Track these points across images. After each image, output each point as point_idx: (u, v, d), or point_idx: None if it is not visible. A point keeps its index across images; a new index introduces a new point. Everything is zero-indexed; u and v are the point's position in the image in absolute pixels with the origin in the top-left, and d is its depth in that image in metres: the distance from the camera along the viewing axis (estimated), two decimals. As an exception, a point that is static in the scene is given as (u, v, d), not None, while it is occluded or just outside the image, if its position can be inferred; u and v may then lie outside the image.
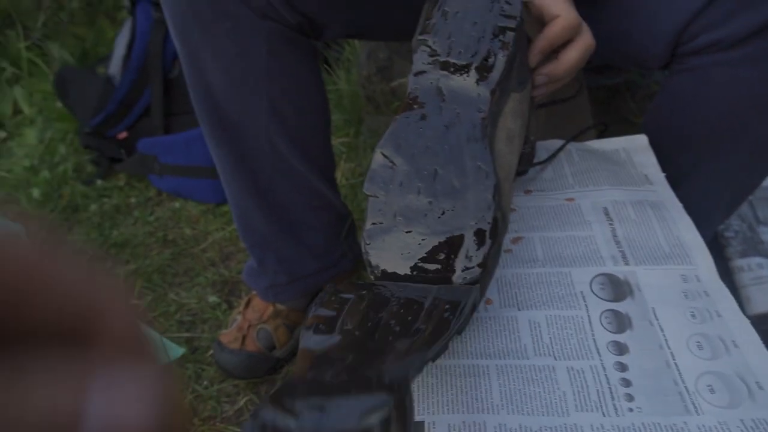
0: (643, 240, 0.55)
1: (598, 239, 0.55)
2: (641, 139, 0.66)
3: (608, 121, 0.74)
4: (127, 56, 1.16)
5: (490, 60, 0.48)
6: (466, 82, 0.48)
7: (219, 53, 0.65)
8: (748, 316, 0.50)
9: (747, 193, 0.70)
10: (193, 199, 1.17)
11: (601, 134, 0.75)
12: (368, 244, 0.45)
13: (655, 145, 0.66)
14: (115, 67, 1.18)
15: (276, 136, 0.71)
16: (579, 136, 0.68)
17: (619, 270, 0.52)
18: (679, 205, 0.58)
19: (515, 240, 0.56)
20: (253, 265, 0.84)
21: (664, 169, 0.64)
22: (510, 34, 0.48)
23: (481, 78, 0.48)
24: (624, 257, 0.53)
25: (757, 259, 0.89)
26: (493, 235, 0.44)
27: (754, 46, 0.56)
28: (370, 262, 0.45)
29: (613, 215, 0.57)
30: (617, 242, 0.55)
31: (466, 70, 0.48)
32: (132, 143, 1.19)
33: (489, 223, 0.44)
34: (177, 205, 1.17)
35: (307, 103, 0.72)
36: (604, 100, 0.93)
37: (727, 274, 0.88)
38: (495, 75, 0.48)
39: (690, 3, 0.58)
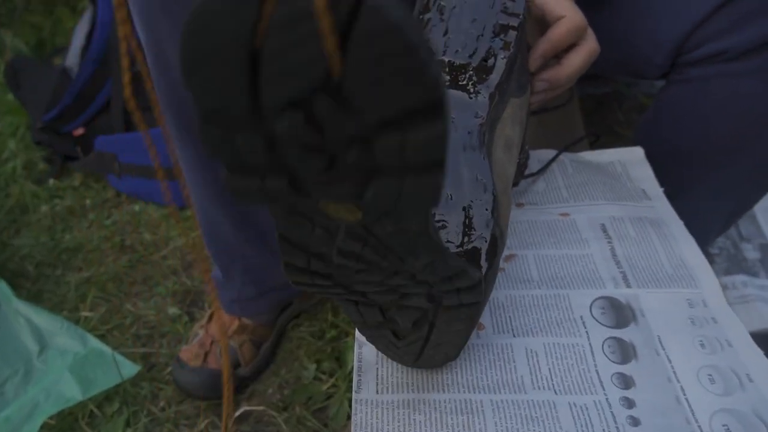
0: (645, 260, 0.51)
1: (596, 258, 0.51)
2: (637, 152, 0.62)
3: (596, 132, 0.71)
4: (87, 47, 1.08)
5: (490, 61, 0.44)
6: (463, 83, 0.43)
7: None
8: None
9: (744, 211, 0.67)
10: (155, 202, 1.09)
11: (593, 144, 0.72)
12: None
13: (649, 157, 0.63)
14: (72, 58, 1.10)
15: None
16: (572, 146, 0.64)
17: (621, 293, 0.48)
18: (680, 223, 0.55)
19: (508, 258, 0.52)
20: (218, 276, 0.78)
21: (659, 182, 0.60)
22: (512, 34, 0.44)
23: (480, 80, 0.43)
24: (625, 278, 0.49)
25: (742, 277, 0.87)
26: (491, 255, 0.39)
27: (761, 58, 0.53)
28: None
29: (612, 232, 0.54)
30: (617, 262, 0.51)
31: (463, 70, 0.44)
32: (89, 140, 1.11)
33: (486, 241, 0.40)
34: (137, 208, 1.09)
35: None
36: (591, 110, 0.90)
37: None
38: (495, 77, 0.43)
39: (695, 10, 0.54)
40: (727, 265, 0.88)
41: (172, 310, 0.92)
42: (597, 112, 0.92)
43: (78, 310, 0.92)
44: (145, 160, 1.06)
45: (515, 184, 0.60)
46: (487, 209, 0.40)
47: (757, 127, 0.57)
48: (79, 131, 1.11)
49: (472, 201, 0.40)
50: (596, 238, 0.53)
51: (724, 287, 0.87)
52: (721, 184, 0.63)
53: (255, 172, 0.22)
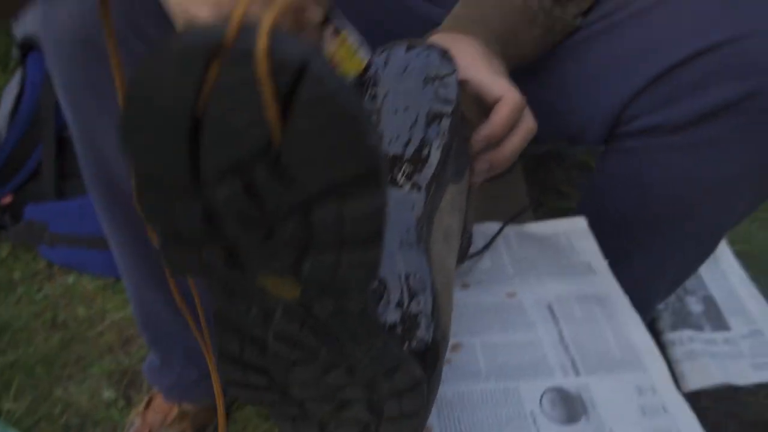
0: (593, 343, 0.50)
1: (544, 344, 0.50)
2: (580, 223, 0.62)
3: (538, 192, 0.71)
4: (15, 111, 1.03)
5: (425, 151, 0.42)
6: (398, 176, 0.42)
7: (116, 124, 0.56)
8: (683, 394, 0.46)
9: (688, 275, 0.67)
10: (89, 273, 1.03)
11: (537, 211, 0.72)
12: None
13: (593, 225, 0.63)
14: (0, 122, 1.05)
15: None
16: (516, 217, 0.63)
17: (571, 383, 0.47)
18: (626, 300, 0.54)
19: (454, 347, 0.50)
20: (155, 362, 0.73)
21: (603, 252, 0.60)
22: (446, 121, 0.43)
23: (415, 171, 0.42)
24: (574, 366, 0.48)
25: (688, 332, 0.88)
26: (433, 363, 0.37)
27: (693, 133, 0.54)
28: None
29: (559, 314, 0.52)
30: (565, 347, 0.50)
31: (397, 162, 0.42)
32: (18, 208, 1.05)
33: (427, 345, 0.38)
34: (70, 280, 1.03)
35: None
36: (532, 169, 0.91)
37: (659, 348, 0.86)
38: (430, 168, 0.42)
39: (627, 85, 0.55)
40: (673, 320, 0.89)
41: (107, 394, 0.85)
42: (538, 172, 0.93)
43: (0, 400, 0.85)
44: (79, 228, 1.00)
45: (460, 262, 0.58)
46: (426, 311, 0.38)
47: (697, 197, 0.58)
48: (7, 199, 1.05)
49: (410, 302, 0.38)
50: (543, 321, 0.52)
51: (671, 344, 0.88)
52: (664, 251, 0.63)
53: (191, 243, 0.22)
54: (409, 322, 0.38)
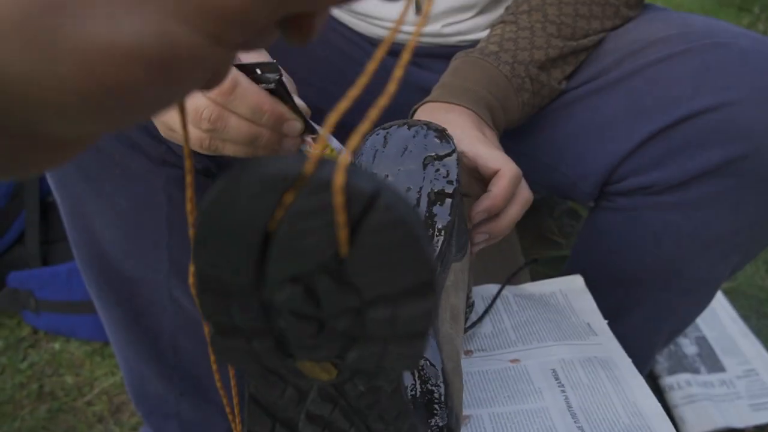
0: (600, 410, 0.50)
1: (552, 412, 0.50)
2: (577, 281, 0.63)
3: (528, 241, 0.71)
4: (-3, 177, 1.01)
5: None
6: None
7: (109, 206, 0.55)
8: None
9: (684, 327, 0.68)
10: (77, 338, 1.01)
11: (530, 264, 0.72)
12: None
13: (587, 280, 0.63)
14: (-18, 189, 1.03)
15: (178, 290, 0.62)
16: (512, 277, 0.64)
17: (582, 454, 0.46)
18: (628, 362, 0.54)
19: (462, 419, 0.49)
20: (150, 435, 0.71)
21: (599, 305, 0.60)
22: (448, 202, 0.43)
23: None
24: (583, 435, 0.48)
25: (685, 376, 0.88)
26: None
27: (682, 193, 0.55)
28: None
29: (564, 380, 0.52)
30: (573, 414, 0.50)
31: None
32: (1, 276, 1.02)
33: (444, 430, 0.37)
34: (57, 346, 1.00)
35: None
36: (522, 219, 0.92)
37: (657, 392, 0.87)
38: (434, 249, 0.42)
39: (618, 145, 0.56)
40: (669, 364, 0.90)
41: (99, 468, 0.83)
42: (529, 220, 0.94)
43: (-13, 480, 0.81)
44: (65, 295, 0.98)
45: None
46: (439, 398, 0.38)
47: (689, 254, 0.59)
48: (-10, 267, 1.02)
49: (422, 390, 0.38)
50: (549, 388, 0.52)
51: (669, 388, 0.88)
52: (660, 306, 0.64)
53: (243, 334, 0.23)
54: (423, 409, 0.37)
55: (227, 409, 0.32)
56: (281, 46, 0.55)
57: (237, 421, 0.33)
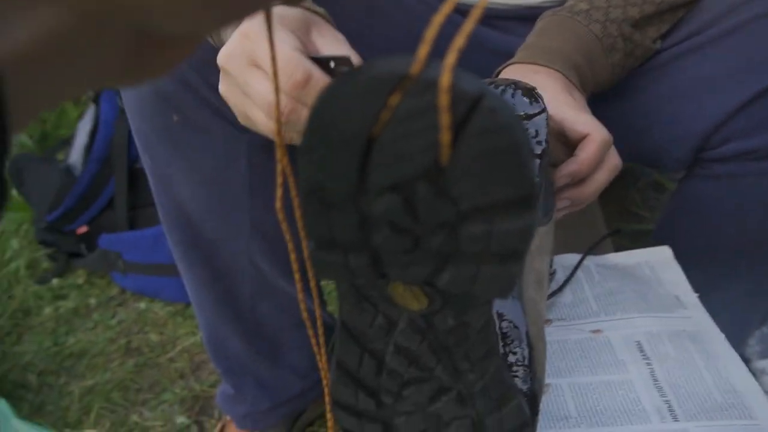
0: (690, 385, 0.47)
1: (636, 385, 0.48)
2: (665, 252, 0.59)
3: (610, 213, 0.68)
4: (90, 146, 1.07)
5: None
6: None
7: (192, 169, 0.57)
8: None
9: (781, 309, 0.64)
10: (161, 299, 1.06)
11: (614, 236, 0.69)
12: None
13: (676, 253, 0.60)
14: (75, 156, 1.10)
15: (258, 254, 0.63)
16: (595, 247, 0.61)
17: (669, 429, 0.44)
18: (721, 336, 0.51)
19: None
20: (229, 391, 0.74)
21: (689, 282, 0.57)
22: (536, 162, 0.42)
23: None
24: (671, 409, 0.46)
25: (779, 360, 0.83)
26: (533, 413, 0.36)
27: (791, 159, 0.51)
28: None
29: (650, 352, 0.50)
30: (659, 388, 0.47)
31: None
32: (93, 238, 1.09)
33: (526, 397, 0.36)
34: (142, 305, 1.06)
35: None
36: (606, 191, 0.88)
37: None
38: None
39: (719, 106, 0.52)
40: (761, 347, 0.84)
41: (180, 419, 0.87)
42: (611, 192, 0.90)
43: (81, 423, 0.88)
44: (150, 258, 1.04)
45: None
46: (523, 361, 0.37)
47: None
48: (83, 229, 1.09)
49: (507, 352, 0.37)
50: (634, 361, 0.50)
51: (761, 372, 0.83)
52: (757, 282, 0.60)
53: (340, 247, 0.24)
54: (506, 371, 0.36)
55: (312, 341, 0.33)
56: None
57: (323, 357, 0.33)
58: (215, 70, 0.44)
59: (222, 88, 0.42)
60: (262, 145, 0.58)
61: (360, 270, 0.24)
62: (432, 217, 0.21)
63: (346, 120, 0.19)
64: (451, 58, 0.18)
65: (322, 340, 0.32)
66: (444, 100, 0.18)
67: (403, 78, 0.18)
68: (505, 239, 0.21)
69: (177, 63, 0.16)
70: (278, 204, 0.26)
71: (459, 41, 0.18)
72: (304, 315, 0.32)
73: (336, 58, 0.37)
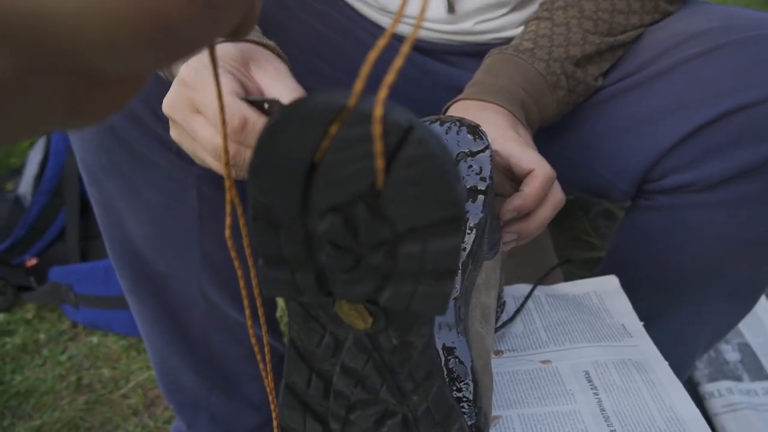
0: (635, 414, 0.48)
1: (584, 415, 0.48)
2: (612, 281, 0.61)
3: (562, 242, 0.70)
4: (40, 175, 1.05)
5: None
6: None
7: (140, 203, 0.56)
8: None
9: (726, 332, 0.66)
10: (114, 333, 1.03)
11: (563, 266, 0.71)
12: None
13: (623, 281, 0.62)
14: (25, 186, 1.07)
15: (209, 286, 0.62)
16: (545, 277, 0.63)
17: (615, 459, 0.45)
18: (665, 365, 0.52)
19: (492, 420, 0.49)
20: (181, 428, 0.72)
21: (636, 309, 0.59)
22: (481, 199, 0.43)
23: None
24: (617, 439, 0.46)
25: (726, 383, 0.85)
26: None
27: (725, 191, 0.53)
28: None
29: (597, 382, 0.51)
30: (606, 418, 0.48)
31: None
32: (43, 270, 1.06)
33: (472, 429, 0.37)
34: (95, 340, 1.03)
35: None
36: (557, 218, 0.90)
37: (697, 400, 0.84)
38: (466, 246, 0.42)
39: (657, 141, 0.55)
40: (710, 371, 0.87)
41: (133, 460, 0.84)
42: (563, 221, 0.93)
43: (27, 468, 0.84)
44: (103, 290, 1.01)
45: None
46: (468, 396, 0.37)
47: (731, 255, 0.57)
48: (32, 261, 1.06)
49: (452, 388, 0.37)
50: (582, 390, 0.50)
51: (710, 395, 0.85)
52: (700, 309, 0.62)
53: (287, 265, 0.25)
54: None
55: (261, 366, 0.33)
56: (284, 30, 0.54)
57: (272, 398, 0.33)
58: (161, 102, 0.44)
59: (173, 134, 0.43)
60: (211, 178, 0.57)
61: (306, 287, 0.26)
62: (371, 237, 0.23)
63: (290, 146, 0.21)
64: (382, 92, 0.20)
65: (269, 365, 0.32)
66: (377, 130, 0.20)
67: (341, 110, 0.20)
68: (438, 258, 0.23)
69: (124, 103, 0.16)
70: (227, 232, 0.27)
71: (389, 78, 0.19)
72: (253, 341, 0.32)
73: (268, 101, 0.38)
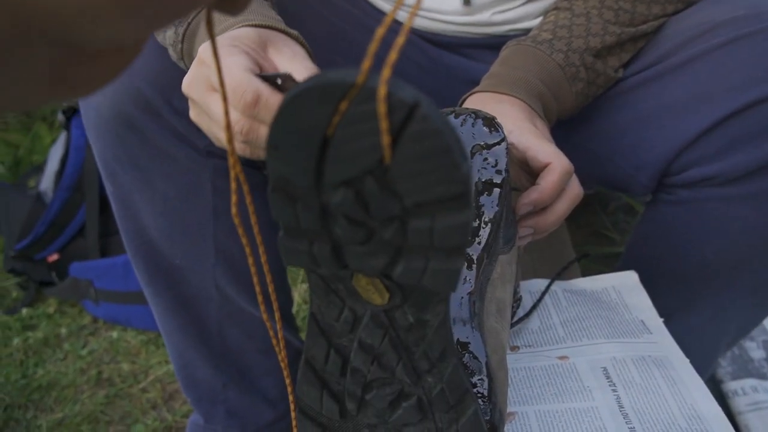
0: (655, 412, 0.47)
1: (602, 412, 0.48)
2: (631, 277, 0.60)
3: (581, 237, 0.69)
4: (60, 172, 1.06)
5: (475, 223, 0.42)
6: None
7: (156, 196, 0.57)
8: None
9: (750, 329, 0.64)
10: (133, 327, 1.04)
11: (581, 261, 0.70)
12: None
13: (643, 277, 0.60)
14: (47, 182, 1.08)
15: (223, 279, 0.63)
16: (562, 272, 0.62)
17: (634, 457, 0.44)
18: (686, 362, 0.51)
19: (507, 416, 0.48)
20: (199, 422, 0.73)
21: (656, 305, 0.58)
22: (496, 192, 0.42)
23: (464, 243, 0.41)
24: (636, 437, 0.45)
25: (751, 381, 0.83)
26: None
27: (750, 184, 0.52)
28: None
29: (615, 378, 0.50)
30: (625, 415, 0.47)
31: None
32: (64, 266, 1.07)
33: (486, 425, 0.36)
34: (114, 334, 1.04)
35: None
36: (575, 213, 0.89)
37: (720, 398, 0.82)
38: (481, 240, 0.41)
39: (680, 133, 0.53)
40: (733, 368, 0.85)
41: (152, 453, 0.85)
42: (581, 216, 0.91)
43: (49, 460, 0.85)
44: (122, 285, 1.02)
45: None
46: (483, 392, 0.37)
47: (756, 249, 0.56)
48: (54, 257, 1.07)
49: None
50: (600, 387, 0.49)
51: (734, 394, 0.83)
52: (724, 305, 0.60)
53: (306, 236, 0.26)
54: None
55: (280, 358, 0.33)
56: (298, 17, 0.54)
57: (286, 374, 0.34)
58: (178, 94, 0.44)
59: (192, 114, 0.44)
60: (226, 171, 0.58)
61: (323, 258, 0.26)
62: (381, 211, 0.24)
63: (305, 121, 0.22)
64: (385, 72, 0.20)
65: (283, 352, 0.33)
66: (382, 108, 0.20)
67: (350, 87, 0.21)
68: (447, 234, 0.24)
69: (112, 76, 0.16)
70: (233, 209, 0.28)
71: (392, 56, 0.20)
72: (271, 333, 0.32)
73: (281, 76, 0.38)
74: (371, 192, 0.23)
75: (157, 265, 0.62)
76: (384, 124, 0.21)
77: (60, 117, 1.08)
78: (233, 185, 0.27)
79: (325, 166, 0.23)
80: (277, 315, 0.31)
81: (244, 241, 0.29)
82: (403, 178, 0.22)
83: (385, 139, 0.21)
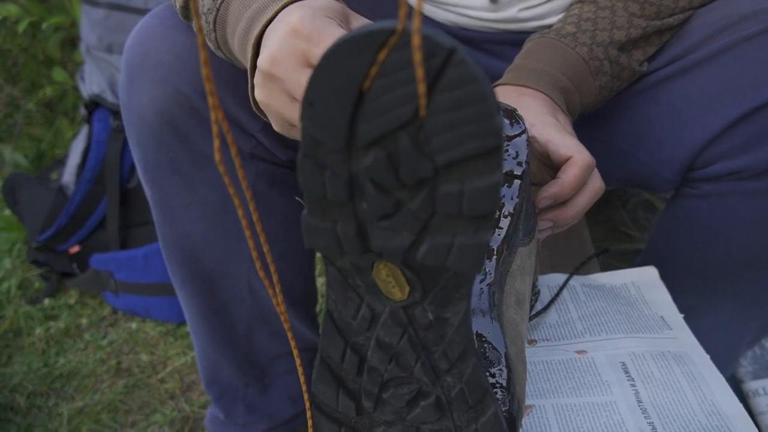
0: (674, 407, 0.47)
1: (620, 407, 0.47)
2: (651, 273, 0.59)
3: (600, 233, 0.68)
4: (82, 165, 1.08)
5: (495, 213, 0.42)
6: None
7: (197, 201, 0.57)
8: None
9: (769, 330, 0.63)
10: (152, 319, 1.06)
11: (599, 256, 0.69)
12: None
13: (664, 273, 0.60)
14: (68, 175, 1.10)
15: (257, 282, 0.63)
16: (581, 267, 0.61)
17: (653, 451, 0.44)
18: (706, 358, 0.51)
19: (525, 409, 0.48)
20: (218, 415, 0.74)
21: (676, 301, 0.57)
22: (516, 184, 0.42)
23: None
24: (655, 432, 0.45)
25: (771, 381, 0.82)
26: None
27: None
28: None
29: (634, 373, 0.50)
30: (643, 410, 0.47)
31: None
32: (85, 257, 1.09)
33: (504, 418, 0.36)
34: (134, 326, 1.06)
35: (293, 244, 0.64)
36: (595, 209, 0.88)
37: (740, 398, 0.81)
38: (501, 231, 0.41)
39: (706, 127, 0.53)
40: (754, 368, 0.84)
41: (170, 442, 0.86)
42: (601, 212, 0.91)
43: (70, 447, 0.87)
44: (142, 277, 1.03)
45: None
46: (502, 383, 0.37)
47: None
48: (75, 249, 1.09)
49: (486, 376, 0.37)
50: (618, 381, 0.49)
51: (754, 393, 0.82)
52: (746, 302, 0.59)
53: (331, 214, 0.26)
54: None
55: (294, 352, 0.33)
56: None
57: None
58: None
59: (261, 94, 0.39)
60: (266, 175, 0.58)
61: (347, 238, 0.26)
62: (412, 173, 0.24)
63: (341, 76, 0.22)
64: (416, 21, 0.20)
65: (292, 343, 0.32)
66: (417, 56, 0.20)
67: (389, 34, 0.21)
68: (477, 198, 0.23)
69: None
70: (217, 156, 0.27)
71: (419, 5, 0.20)
72: (286, 326, 0.32)
73: None
74: (404, 149, 0.23)
75: (192, 271, 0.62)
76: (420, 73, 0.21)
77: (82, 111, 1.10)
78: (215, 129, 0.26)
79: (358, 124, 0.23)
80: (280, 298, 0.31)
81: (231, 190, 0.28)
82: (438, 132, 0.22)
83: (421, 88, 0.21)
